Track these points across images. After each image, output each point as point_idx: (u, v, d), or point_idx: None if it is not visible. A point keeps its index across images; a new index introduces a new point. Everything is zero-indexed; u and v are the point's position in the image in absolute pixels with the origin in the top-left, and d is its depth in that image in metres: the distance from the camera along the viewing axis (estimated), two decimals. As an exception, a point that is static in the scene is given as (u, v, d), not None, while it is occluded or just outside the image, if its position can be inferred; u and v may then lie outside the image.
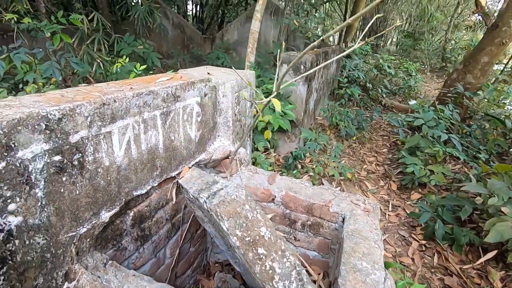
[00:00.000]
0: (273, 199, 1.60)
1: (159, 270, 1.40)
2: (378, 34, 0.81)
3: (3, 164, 0.67)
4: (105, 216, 0.98)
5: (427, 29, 10.62)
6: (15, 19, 2.41)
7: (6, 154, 0.67)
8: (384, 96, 6.57)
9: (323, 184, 3.19)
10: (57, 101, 0.81)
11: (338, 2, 10.43)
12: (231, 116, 1.59)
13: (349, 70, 6.06)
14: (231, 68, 1.64)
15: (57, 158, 0.78)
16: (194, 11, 8.65)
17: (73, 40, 3.70)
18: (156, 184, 1.20)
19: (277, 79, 1.07)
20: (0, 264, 0.71)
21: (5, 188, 0.68)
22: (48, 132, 0.75)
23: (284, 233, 1.61)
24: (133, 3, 5.00)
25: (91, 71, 3.59)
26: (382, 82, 7.18)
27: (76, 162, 0.84)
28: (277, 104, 0.97)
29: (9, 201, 0.70)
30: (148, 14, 5.08)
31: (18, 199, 0.71)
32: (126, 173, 1.03)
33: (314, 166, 3.39)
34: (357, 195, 1.58)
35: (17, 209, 0.72)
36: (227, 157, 1.62)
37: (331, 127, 4.53)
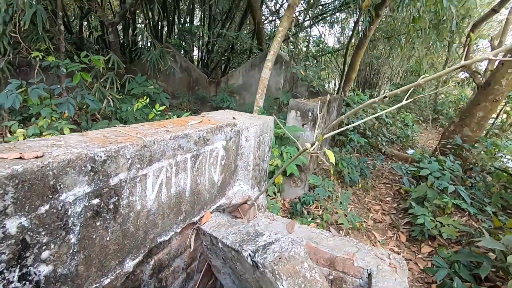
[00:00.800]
0: (292, 250, 1.51)
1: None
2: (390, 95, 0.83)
3: (46, 207, 0.63)
4: (129, 265, 0.90)
5: (419, 83, 11.31)
6: (40, 56, 2.50)
7: (51, 196, 0.63)
8: (384, 144, 6.71)
9: (330, 232, 3.07)
10: (101, 141, 0.80)
11: (336, 55, 11.17)
12: (252, 160, 1.58)
13: (348, 118, 6.28)
14: (236, 110, 1.68)
15: (96, 201, 0.75)
16: (200, 56, 9.13)
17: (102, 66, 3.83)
18: (179, 230, 1.14)
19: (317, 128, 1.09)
20: (21, 321, 0.63)
21: (43, 233, 0.63)
22: (92, 174, 0.72)
23: (303, 288, 1.50)
24: (146, 48, 5.30)
25: (102, 107, 3.64)
26: (380, 131, 7.39)
27: (111, 206, 0.80)
28: (331, 155, 0.98)
29: (43, 248, 0.64)
30: (160, 57, 5.35)
31: (52, 246, 0.66)
32: (154, 218, 0.98)
33: (320, 213, 3.31)
34: (380, 248, 1.52)
35: (50, 257, 0.66)
36: (245, 202, 1.57)
37: (335, 172, 4.53)
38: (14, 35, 3.17)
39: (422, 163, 3.81)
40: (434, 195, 3.25)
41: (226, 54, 8.98)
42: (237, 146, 1.52)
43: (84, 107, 3.87)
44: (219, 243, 1.01)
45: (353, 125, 1.00)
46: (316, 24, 9.75)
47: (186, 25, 9.02)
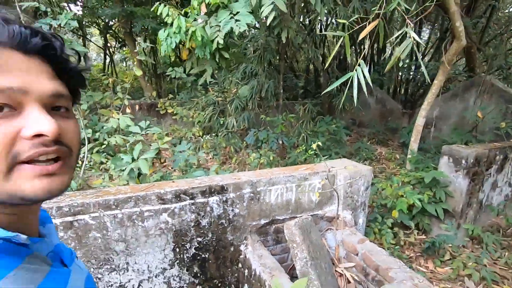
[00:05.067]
0: (357, 254, 2.43)
1: (282, 264, 2.66)
2: None
3: (224, 196, 2.27)
4: (262, 222, 2.42)
5: None
6: (258, 111, 4.74)
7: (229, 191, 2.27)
8: None
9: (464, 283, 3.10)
10: (257, 175, 2.37)
11: None
12: (342, 193, 2.65)
13: None
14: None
15: (252, 195, 2.32)
16: (397, 87, 9.47)
17: (293, 121, 5.91)
18: (288, 217, 2.53)
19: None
20: (230, 217, 2.30)
21: (237, 203, 2.28)
22: (251, 185, 2.30)
23: (360, 280, 2.38)
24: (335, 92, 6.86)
25: (297, 142, 5.56)
26: None
27: (257, 197, 2.35)
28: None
29: (237, 205, 2.29)
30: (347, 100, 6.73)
31: (239, 206, 2.30)
32: (274, 207, 2.44)
33: (470, 263, 3.32)
34: (418, 273, 2.08)
35: (237, 208, 2.30)
36: (334, 217, 2.66)
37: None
38: (259, 100, 5.75)
39: None
40: None
41: (425, 84, 8.77)
42: (332, 183, 2.66)
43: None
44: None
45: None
46: None
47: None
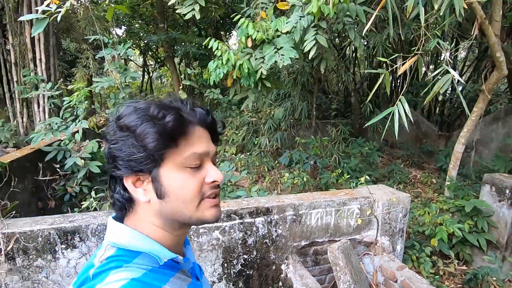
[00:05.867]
0: (396, 281, 2.47)
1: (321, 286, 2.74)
2: None
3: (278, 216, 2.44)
4: (302, 243, 2.55)
5: None
6: (291, 132, 4.91)
7: (292, 210, 2.44)
8: None
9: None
10: (298, 199, 2.53)
11: None
12: (380, 219, 2.72)
13: None
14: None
15: (294, 217, 2.48)
16: (433, 110, 9.25)
17: (326, 143, 6.03)
18: (326, 240, 2.64)
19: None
20: (273, 237, 2.45)
21: (280, 225, 2.44)
22: (294, 208, 2.46)
23: (400, 307, 2.40)
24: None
25: (329, 163, 5.64)
26: None
27: (298, 219, 2.50)
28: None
29: (280, 226, 2.45)
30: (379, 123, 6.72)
31: (281, 227, 2.46)
32: (314, 230, 2.57)
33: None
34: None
35: (280, 229, 2.46)
36: (372, 242, 2.72)
37: None
38: (292, 120, 5.94)
39: None
40: None
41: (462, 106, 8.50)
42: (371, 208, 2.75)
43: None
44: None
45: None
46: None
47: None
